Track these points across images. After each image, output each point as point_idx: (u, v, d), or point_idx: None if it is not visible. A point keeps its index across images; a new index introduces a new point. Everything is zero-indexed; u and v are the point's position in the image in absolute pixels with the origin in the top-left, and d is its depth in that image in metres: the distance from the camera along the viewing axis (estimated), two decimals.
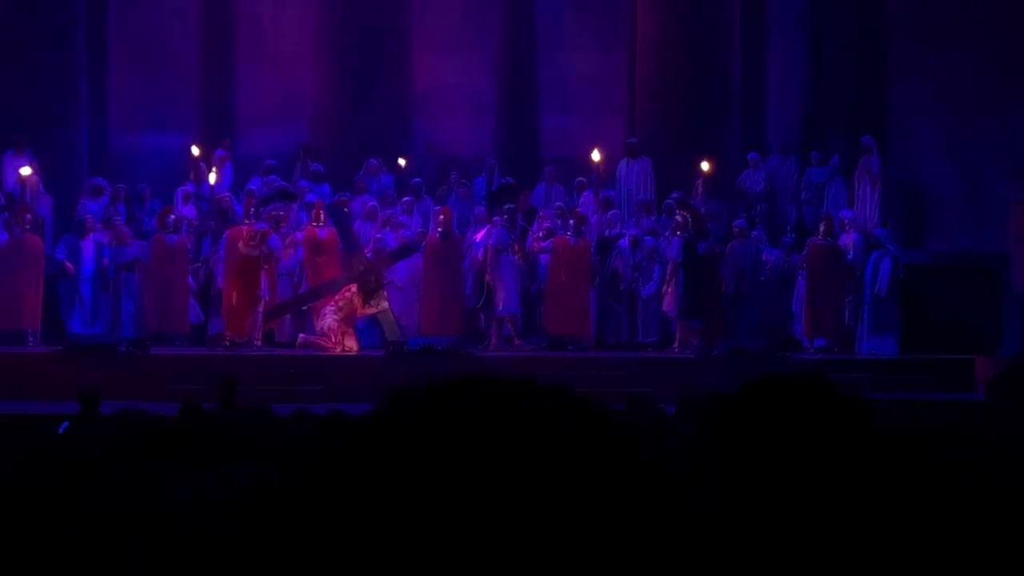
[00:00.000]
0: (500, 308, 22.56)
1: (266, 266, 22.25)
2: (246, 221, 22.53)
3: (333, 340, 21.83)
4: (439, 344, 21.67)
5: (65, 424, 12.11)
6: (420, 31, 27.16)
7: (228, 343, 22.05)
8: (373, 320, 22.46)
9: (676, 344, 22.70)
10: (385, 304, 22.01)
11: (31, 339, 22.47)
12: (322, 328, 21.94)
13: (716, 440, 2.04)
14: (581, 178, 24.93)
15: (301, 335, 22.41)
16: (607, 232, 23.70)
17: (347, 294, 21.92)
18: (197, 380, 18.44)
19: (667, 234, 23.25)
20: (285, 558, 1.51)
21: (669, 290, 22.61)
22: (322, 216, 23.00)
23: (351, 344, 21.92)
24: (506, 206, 23.30)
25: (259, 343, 22.22)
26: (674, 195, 23.95)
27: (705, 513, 1.96)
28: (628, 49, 26.92)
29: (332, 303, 21.95)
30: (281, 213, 22.98)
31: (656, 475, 1.59)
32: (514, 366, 21.57)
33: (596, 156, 24.54)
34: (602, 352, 22.77)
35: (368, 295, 21.84)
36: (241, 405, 13.24)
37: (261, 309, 22.21)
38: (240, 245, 22.13)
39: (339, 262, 22.66)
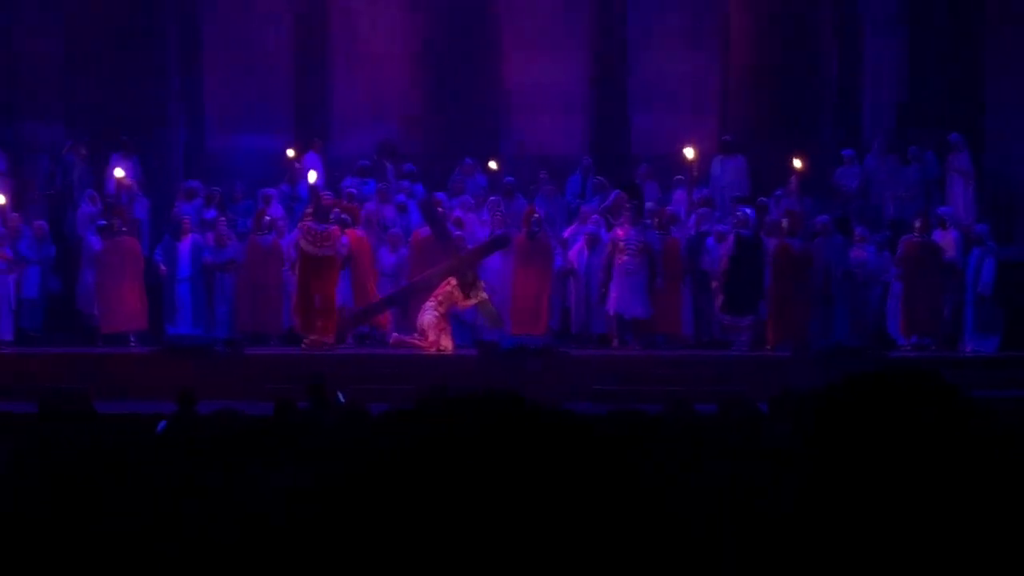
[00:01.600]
0: (610, 307, 22.44)
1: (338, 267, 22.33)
2: (306, 219, 22.58)
3: (429, 339, 21.81)
4: (532, 343, 21.64)
5: (163, 423, 12.23)
6: (511, 30, 27.18)
7: (305, 343, 22.14)
8: (462, 320, 22.47)
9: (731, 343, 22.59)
10: (484, 295, 21.98)
11: (133, 340, 22.74)
12: (421, 324, 21.88)
13: (817, 436, 2.01)
14: (679, 176, 24.76)
15: (395, 334, 22.44)
16: (699, 230, 23.53)
17: (446, 288, 21.87)
18: (292, 380, 18.56)
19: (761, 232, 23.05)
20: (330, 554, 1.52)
21: (714, 285, 22.49)
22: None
23: (446, 343, 21.91)
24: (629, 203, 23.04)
25: (337, 343, 22.20)
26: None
27: (801, 510, 1.93)
28: (720, 45, 26.77)
29: (432, 298, 21.91)
30: (345, 216, 22.93)
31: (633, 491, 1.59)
32: (606, 366, 21.54)
33: (690, 154, 24.41)
34: (696, 351, 22.63)
35: (467, 288, 21.82)
36: (336, 404, 13.31)
37: (330, 309, 22.23)
38: (304, 244, 22.21)
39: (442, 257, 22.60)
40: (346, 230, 22.59)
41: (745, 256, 22.33)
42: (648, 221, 22.92)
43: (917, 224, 23.01)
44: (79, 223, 23.91)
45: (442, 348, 21.86)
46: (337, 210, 22.80)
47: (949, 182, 24.68)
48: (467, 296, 21.82)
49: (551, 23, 27.95)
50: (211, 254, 23.02)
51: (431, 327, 21.79)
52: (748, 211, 22.82)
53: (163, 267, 22.90)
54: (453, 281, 21.83)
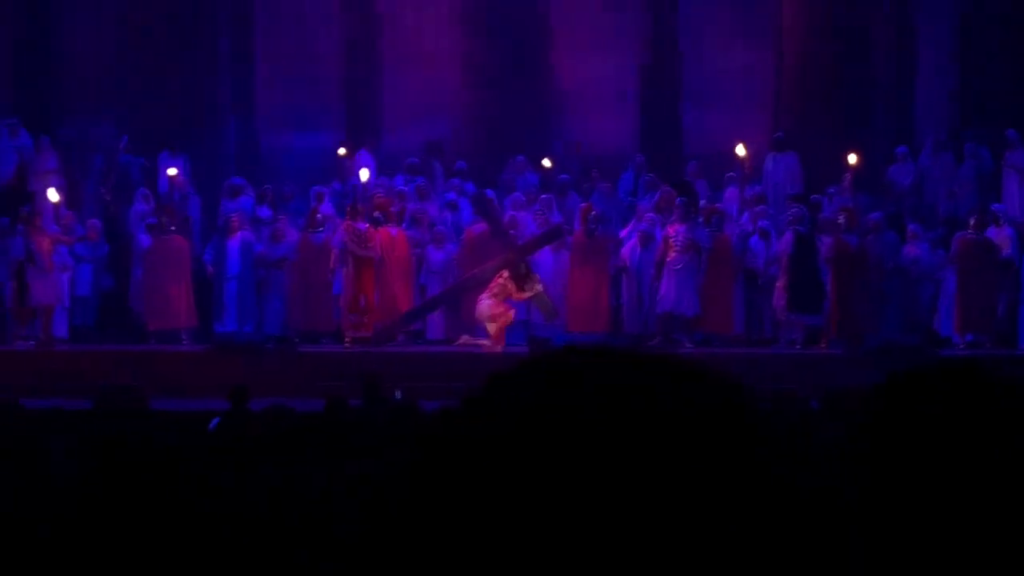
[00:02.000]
0: (659, 305, 22.39)
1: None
2: (349, 219, 22.69)
3: (493, 332, 21.77)
4: (584, 341, 21.60)
5: (216, 420, 12.30)
6: (562, 28, 27.17)
7: (348, 341, 22.22)
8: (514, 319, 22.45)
9: (781, 341, 22.48)
10: (539, 287, 21.92)
11: (185, 338, 22.85)
12: (480, 312, 21.87)
13: (870, 434, 1.98)
14: (731, 173, 24.67)
15: (464, 336, 22.34)
16: (756, 227, 23.42)
17: (499, 281, 21.84)
18: (343, 377, 18.62)
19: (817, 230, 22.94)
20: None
21: (779, 284, 22.34)
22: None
23: (509, 314, 21.83)
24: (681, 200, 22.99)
25: (387, 342, 22.23)
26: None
27: (853, 508, 1.91)
28: (772, 43, 26.65)
29: (487, 291, 21.89)
30: (378, 214, 22.95)
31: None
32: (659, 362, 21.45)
33: (741, 151, 24.32)
34: (748, 348, 22.54)
35: (521, 280, 21.77)
36: (391, 401, 13.35)
37: (370, 308, 22.28)
38: (349, 244, 22.35)
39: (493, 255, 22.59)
40: (379, 228, 22.64)
41: (804, 253, 22.22)
42: (701, 219, 22.83)
43: (972, 221, 22.84)
44: (131, 221, 24.06)
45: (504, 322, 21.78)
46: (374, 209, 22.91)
47: (1005, 178, 24.49)
48: (521, 288, 21.78)
49: (602, 20, 27.91)
50: (266, 248, 23.07)
51: (489, 316, 21.67)
52: (802, 209, 22.71)
53: (210, 267, 23.00)
54: (506, 274, 21.79)
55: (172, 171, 24.08)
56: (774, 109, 26.54)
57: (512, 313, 21.82)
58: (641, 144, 27.13)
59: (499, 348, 21.81)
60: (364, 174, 24.39)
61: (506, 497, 1.45)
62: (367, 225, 22.46)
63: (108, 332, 23.34)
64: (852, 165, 23.86)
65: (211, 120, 25.69)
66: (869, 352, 21.32)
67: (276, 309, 23.08)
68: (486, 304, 21.68)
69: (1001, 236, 22.84)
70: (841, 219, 22.55)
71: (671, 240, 22.35)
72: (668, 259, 22.32)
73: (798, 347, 22.24)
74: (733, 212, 23.67)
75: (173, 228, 22.97)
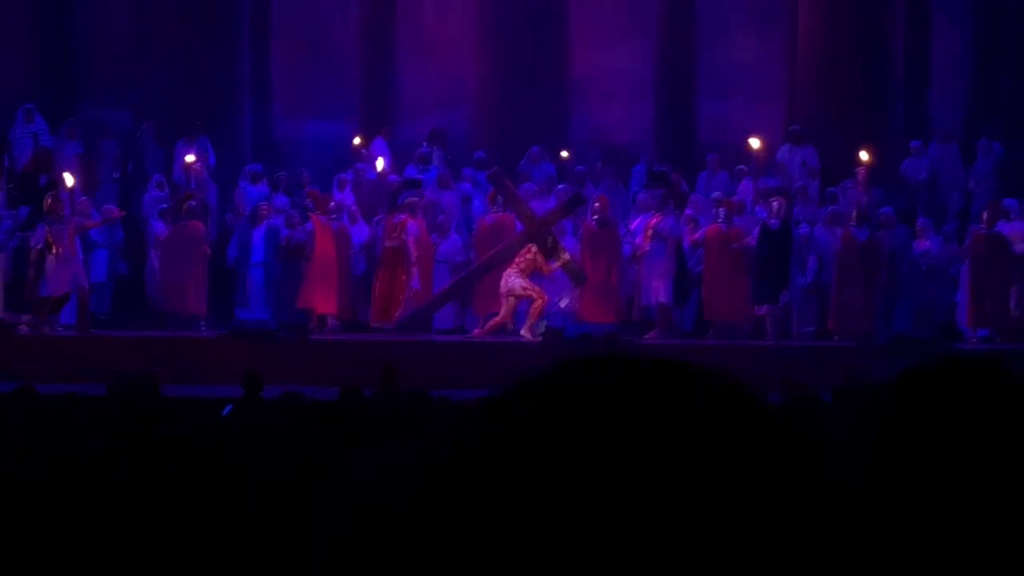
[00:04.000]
0: (643, 296, 22.46)
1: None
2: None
3: (536, 292, 21.78)
4: (598, 332, 21.61)
5: (229, 407, 12.32)
6: (579, 17, 27.16)
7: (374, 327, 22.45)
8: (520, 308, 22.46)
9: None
10: (566, 255, 21.94)
11: (203, 324, 22.90)
12: (511, 289, 21.88)
13: (882, 427, 2.00)
14: (741, 166, 24.69)
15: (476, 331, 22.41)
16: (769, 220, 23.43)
17: (528, 255, 21.81)
18: (356, 365, 18.65)
19: (824, 222, 22.98)
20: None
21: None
22: (497, 200, 23.05)
23: (539, 292, 21.85)
24: (658, 192, 23.15)
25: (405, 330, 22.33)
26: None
27: (861, 503, 1.93)
28: (788, 34, 26.62)
29: (513, 266, 21.89)
30: (415, 199, 23.03)
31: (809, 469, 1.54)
32: (671, 354, 21.46)
33: (756, 143, 24.30)
34: (759, 341, 22.55)
35: (549, 252, 21.80)
36: (402, 391, 13.36)
37: (407, 296, 22.38)
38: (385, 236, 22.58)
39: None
40: (310, 215, 22.78)
41: (770, 246, 22.29)
42: (689, 211, 22.87)
43: (984, 216, 22.83)
44: (145, 208, 24.11)
45: (536, 298, 21.78)
46: (403, 199, 22.97)
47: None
48: (549, 259, 21.82)
49: (619, 10, 27.90)
50: (288, 236, 23.10)
51: (512, 292, 21.72)
52: (780, 202, 22.70)
53: (231, 259, 23.11)
54: (534, 248, 21.81)
55: (190, 157, 24.11)
56: (789, 101, 26.51)
57: (543, 301, 21.83)
58: (657, 135, 27.13)
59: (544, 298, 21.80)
60: (380, 163, 24.42)
61: (524, 502, 1.46)
62: (403, 216, 22.58)
63: (123, 318, 23.38)
64: (866, 159, 23.85)
65: (228, 107, 25.72)
66: (880, 346, 21.33)
67: (292, 296, 23.10)
68: (516, 281, 21.71)
69: (1013, 231, 22.82)
70: (853, 213, 22.59)
71: (651, 231, 22.43)
72: (644, 249, 22.45)
73: (771, 339, 22.27)
74: (748, 204, 23.66)
75: (189, 215, 22.96)
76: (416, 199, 23.08)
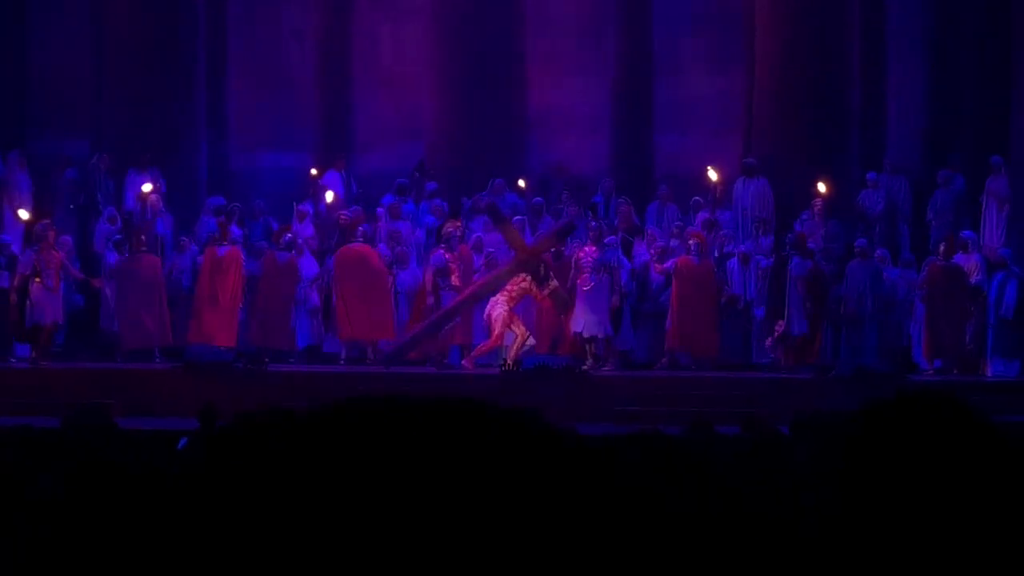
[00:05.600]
0: (573, 326, 22.38)
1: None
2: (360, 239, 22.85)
3: (495, 333, 21.72)
4: (555, 363, 21.61)
5: (183, 440, 12.22)
6: (536, 51, 27.23)
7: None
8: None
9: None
10: (555, 283, 21.90)
11: (158, 356, 22.74)
12: (489, 316, 21.86)
13: (842, 459, 1.99)
14: (697, 198, 24.78)
15: (465, 360, 22.32)
16: (718, 252, 23.55)
17: (522, 284, 21.75)
18: (315, 397, 18.57)
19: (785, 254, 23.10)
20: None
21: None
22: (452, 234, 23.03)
23: (522, 328, 21.87)
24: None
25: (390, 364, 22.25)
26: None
27: (828, 529, 1.91)
28: (745, 68, 26.75)
29: (503, 293, 21.80)
30: (451, 231, 22.89)
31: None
32: (628, 386, 21.50)
33: (713, 176, 24.41)
34: (719, 372, 22.58)
35: (540, 281, 21.76)
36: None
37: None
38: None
39: (462, 278, 22.52)
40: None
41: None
42: (610, 239, 22.85)
43: (941, 248, 22.96)
44: (97, 240, 23.96)
45: (520, 334, 21.74)
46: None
47: (984, 204, 24.56)
48: (542, 288, 21.79)
49: (576, 43, 28.00)
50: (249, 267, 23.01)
51: (499, 321, 21.69)
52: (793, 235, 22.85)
53: (185, 287, 22.98)
54: (528, 278, 21.76)
55: (147, 187, 23.97)
56: (746, 134, 26.63)
57: (529, 338, 21.81)
58: (614, 167, 27.18)
59: (527, 333, 21.78)
60: (330, 196, 24.41)
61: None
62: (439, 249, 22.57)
63: (79, 351, 23.20)
64: (823, 191, 23.97)
65: (184, 138, 25.61)
66: (838, 378, 21.40)
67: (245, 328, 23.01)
68: (500, 311, 21.68)
69: (969, 263, 22.94)
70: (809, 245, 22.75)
71: (580, 262, 22.37)
72: (579, 280, 22.39)
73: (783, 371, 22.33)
74: (705, 236, 23.72)
75: (144, 248, 22.87)
76: (452, 230, 22.92)
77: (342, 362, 23.00)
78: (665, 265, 22.89)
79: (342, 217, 23.88)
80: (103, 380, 21.16)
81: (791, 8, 25.33)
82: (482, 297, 22.00)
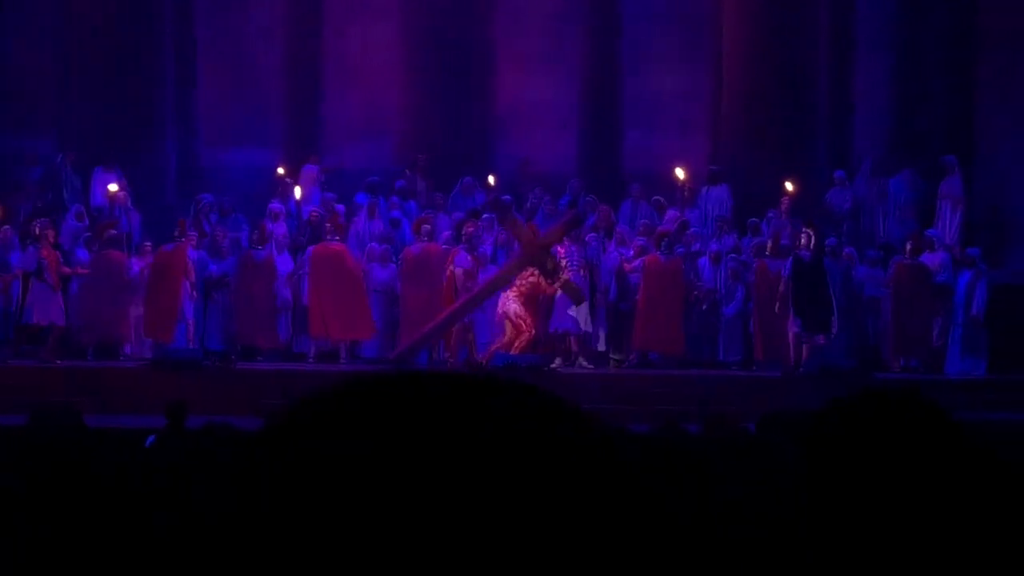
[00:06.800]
0: (551, 324, 22.43)
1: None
2: (335, 237, 22.81)
3: (508, 332, 21.76)
4: (523, 361, 21.61)
5: (151, 437, 12.20)
6: (504, 48, 27.26)
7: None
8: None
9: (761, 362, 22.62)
10: (566, 275, 21.85)
11: (124, 354, 22.65)
12: (506, 312, 21.83)
13: (807, 458, 2.01)
14: (658, 197, 24.86)
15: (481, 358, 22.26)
16: (686, 250, 23.59)
17: (530, 279, 21.68)
18: (284, 395, 18.56)
19: (749, 253, 23.17)
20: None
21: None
22: (422, 231, 22.98)
23: (530, 323, 21.84)
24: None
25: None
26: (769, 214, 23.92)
27: (794, 530, 1.93)
28: (713, 66, 26.85)
29: (513, 289, 21.78)
30: (471, 230, 22.87)
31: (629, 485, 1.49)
32: (595, 384, 21.54)
33: (680, 174, 24.47)
34: (687, 370, 22.63)
35: (550, 274, 21.68)
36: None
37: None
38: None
39: (432, 276, 22.49)
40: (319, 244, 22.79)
41: (807, 278, 22.28)
42: (591, 237, 22.91)
43: (908, 246, 23.07)
44: (64, 238, 23.86)
45: (528, 330, 21.78)
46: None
47: (938, 205, 24.71)
48: (552, 281, 21.73)
49: (545, 40, 28.03)
50: (215, 267, 22.92)
51: (514, 317, 21.64)
52: (808, 233, 22.80)
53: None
54: (536, 272, 21.70)
55: (114, 187, 23.89)
56: (714, 132, 26.71)
57: (530, 335, 21.78)
58: (582, 165, 27.23)
59: (532, 330, 21.75)
60: (298, 192, 24.36)
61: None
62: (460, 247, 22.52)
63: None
64: (790, 190, 24.06)
65: (151, 135, 25.53)
66: (805, 376, 21.47)
67: (217, 325, 22.91)
68: (514, 307, 21.63)
69: (936, 261, 23.06)
70: (769, 244, 22.83)
71: (563, 260, 22.40)
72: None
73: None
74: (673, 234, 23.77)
75: (111, 243, 22.78)
76: (472, 229, 22.88)
77: (311, 360, 22.96)
78: (634, 264, 22.93)
79: (313, 214, 23.85)
80: (71, 378, 21.08)
81: (758, 6, 25.42)
82: (492, 294, 21.89)
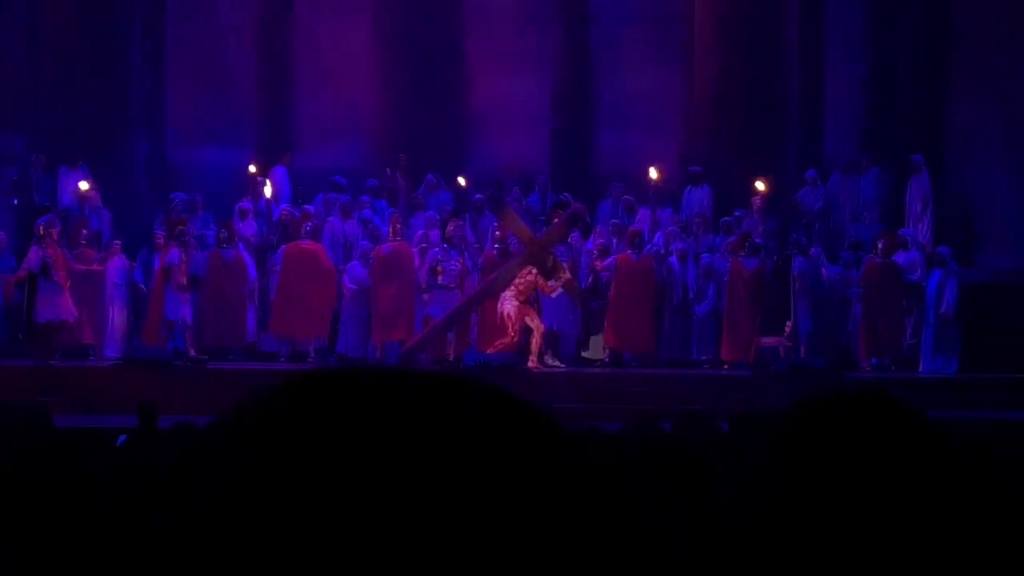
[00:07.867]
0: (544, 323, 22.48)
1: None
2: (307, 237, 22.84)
3: (510, 332, 21.73)
4: (495, 360, 21.58)
5: (122, 437, 12.15)
6: (476, 48, 27.26)
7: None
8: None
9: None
10: (567, 274, 21.82)
11: (92, 354, 22.56)
12: (502, 313, 21.81)
13: (778, 457, 2.00)
14: (628, 196, 24.89)
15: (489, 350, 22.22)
16: (663, 249, 23.64)
17: (528, 278, 21.63)
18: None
19: (723, 252, 23.23)
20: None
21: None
22: (393, 231, 22.95)
23: (537, 322, 21.83)
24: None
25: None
26: (736, 213, 23.95)
27: (764, 530, 1.93)
28: (685, 66, 26.88)
29: (512, 288, 21.68)
30: (453, 230, 22.84)
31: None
32: (569, 383, 21.55)
33: (654, 174, 24.50)
34: (660, 369, 22.65)
35: (549, 273, 21.63)
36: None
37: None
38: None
39: (403, 275, 22.48)
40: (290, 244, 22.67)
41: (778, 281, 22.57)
42: (573, 236, 22.98)
43: (879, 246, 23.13)
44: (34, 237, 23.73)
45: (535, 327, 21.70)
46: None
47: (908, 203, 24.80)
48: (552, 279, 21.66)
49: (516, 41, 28.03)
50: (193, 267, 22.83)
51: (512, 317, 21.61)
52: (799, 236, 22.90)
53: (141, 286, 22.81)
54: (534, 271, 21.64)
55: (84, 185, 23.78)
56: (686, 132, 26.75)
57: (540, 332, 21.75)
58: (554, 163, 27.25)
59: (542, 327, 21.73)
60: (268, 190, 24.31)
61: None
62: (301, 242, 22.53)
63: (16, 347, 22.96)
64: (762, 189, 24.12)
65: (121, 134, 25.44)
66: (777, 374, 21.52)
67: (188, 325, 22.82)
68: (510, 307, 21.59)
69: (908, 260, 23.13)
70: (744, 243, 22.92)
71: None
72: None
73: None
74: (646, 234, 23.80)
75: (84, 243, 22.70)
76: (454, 229, 22.81)
77: (282, 360, 22.92)
78: (605, 262, 22.95)
79: (284, 213, 23.83)
80: (41, 378, 20.98)
81: (730, 6, 25.46)
82: (492, 294, 21.84)
